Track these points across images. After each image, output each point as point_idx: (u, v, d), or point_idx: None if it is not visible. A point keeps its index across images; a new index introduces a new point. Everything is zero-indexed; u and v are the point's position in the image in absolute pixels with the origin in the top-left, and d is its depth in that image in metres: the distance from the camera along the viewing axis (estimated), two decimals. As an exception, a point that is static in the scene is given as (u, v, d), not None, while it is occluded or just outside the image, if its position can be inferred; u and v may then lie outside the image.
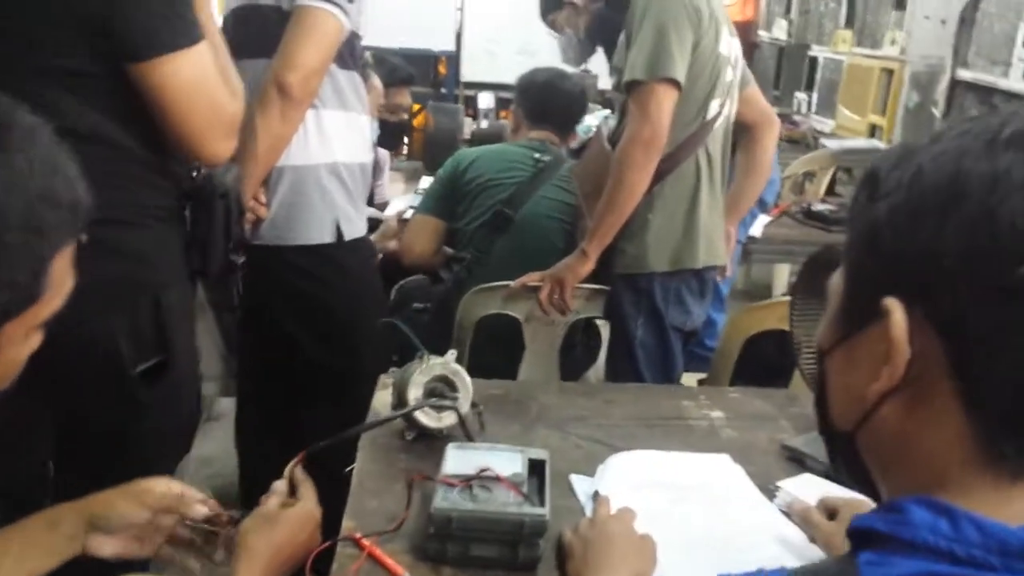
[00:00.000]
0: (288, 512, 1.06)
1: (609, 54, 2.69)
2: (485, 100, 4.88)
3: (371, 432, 1.38)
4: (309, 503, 1.09)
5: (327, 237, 1.91)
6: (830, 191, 4.42)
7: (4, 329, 0.79)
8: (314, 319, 1.96)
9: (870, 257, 0.58)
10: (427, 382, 1.36)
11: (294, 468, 1.13)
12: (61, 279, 0.82)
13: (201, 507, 1.09)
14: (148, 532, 1.07)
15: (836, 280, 0.63)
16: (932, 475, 0.56)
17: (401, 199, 3.12)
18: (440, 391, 1.36)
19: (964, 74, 4.44)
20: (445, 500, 1.08)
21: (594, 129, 3.40)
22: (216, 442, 2.95)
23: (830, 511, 1.14)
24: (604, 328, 2.30)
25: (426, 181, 3.35)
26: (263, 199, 1.86)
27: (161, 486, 1.07)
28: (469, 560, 1.07)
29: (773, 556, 1.13)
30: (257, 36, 1.83)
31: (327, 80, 1.83)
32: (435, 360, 1.37)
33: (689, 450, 1.40)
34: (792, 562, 1.11)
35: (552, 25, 3.04)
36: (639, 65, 1.82)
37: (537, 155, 2.41)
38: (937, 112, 4.75)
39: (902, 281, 0.56)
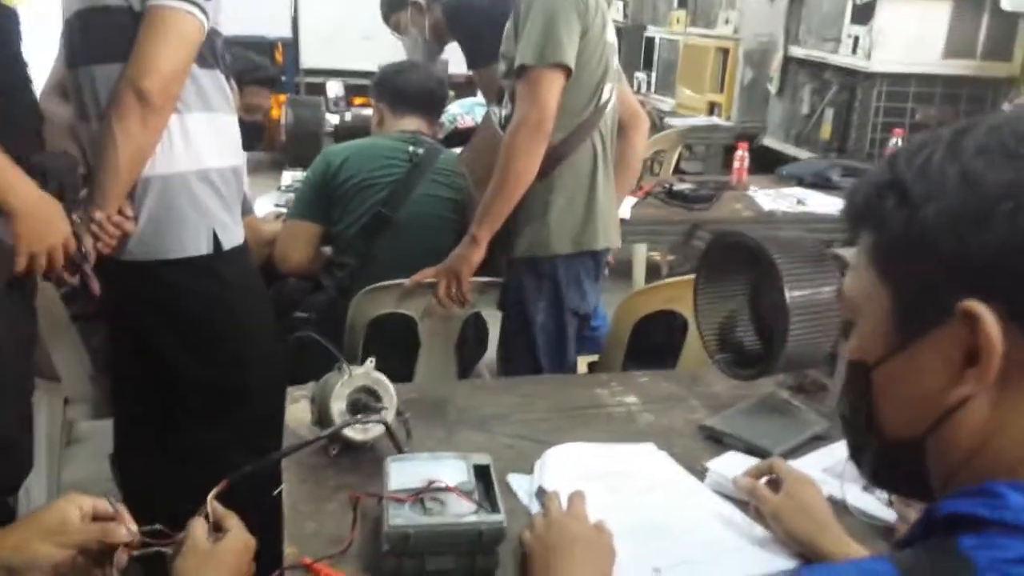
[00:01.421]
0: (223, 545, 1.01)
1: (466, 48, 2.69)
2: (334, 88, 4.75)
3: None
4: (242, 533, 1.04)
5: (203, 248, 1.82)
6: (676, 168, 4.59)
7: None
8: (195, 336, 1.87)
9: (926, 262, 0.59)
10: (350, 394, 1.32)
11: (213, 498, 1.07)
12: None
13: (121, 528, 1.01)
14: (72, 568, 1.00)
15: (858, 288, 0.64)
16: (1018, 460, 0.58)
17: (265, 198, 3.00)
18: (364, 402, 1.32)
19: (796, 51, 4.70)
20: (399, 517, 1.05)
21: (459, 119, 3.40)
22: (82, 464, 2.78)
23: (774, 483, 1.18)
24: (491, 319, 2.29)
25: (288, 176, 3.25)
26: (129, 213, 1.75)
27: (74, 511, 1.00)
28: (426, 575, 1.05)
29: (716, 536, 1.17)
30: (106, 39, 1.72)
31: (189, 82, 1.74)
32: (356, 370, 1.33)
33: (612, 438, 1.42)
34: (735, 540, 1.15)
35: (396, 27, 3.01)
36: (528, 51, 1.83)
37: (411, 148, 2.36)
38: (772, 88, 5.01)
39: (976, 282, 0.56)
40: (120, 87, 1.65)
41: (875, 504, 1.25)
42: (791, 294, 1.34)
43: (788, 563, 1.11)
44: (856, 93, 4.21)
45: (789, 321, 1.33)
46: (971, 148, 0.58)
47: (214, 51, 1.83)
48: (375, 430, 1.32)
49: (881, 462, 0.69)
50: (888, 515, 1.23)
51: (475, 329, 2.40)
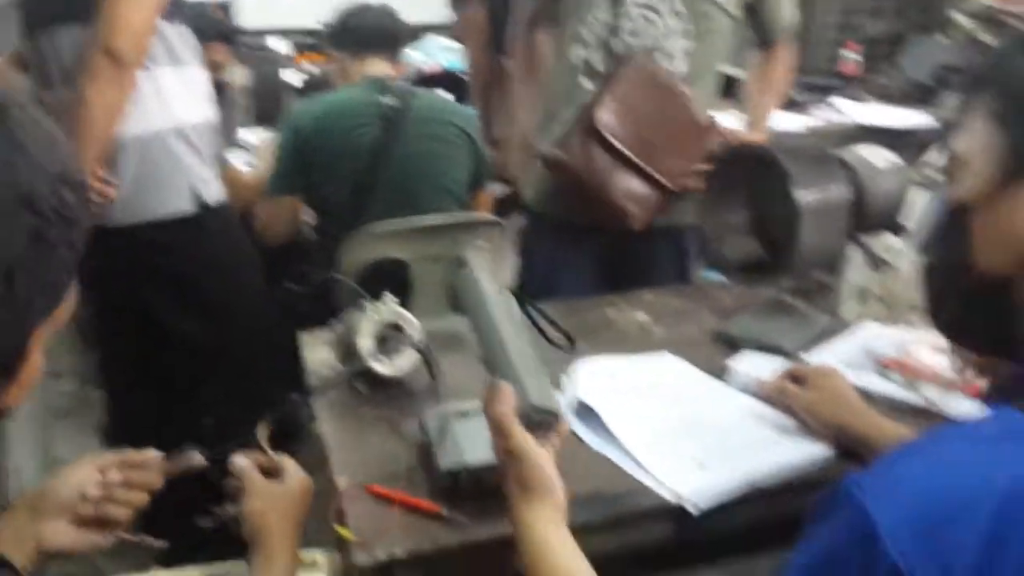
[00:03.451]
0: (287, 485, 1.02)
1: None
2: (276, 44, 4.64)
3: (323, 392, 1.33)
4: (299, 472, 1.05)
5: (186, 206, 1.80)
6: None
7: (34, 334, 0.71)
8: (189, 296, 1.85)
9: None
10: (375, 330, 1.33)
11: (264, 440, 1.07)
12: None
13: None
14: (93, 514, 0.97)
15: (970, 143, 0.71)
16: None
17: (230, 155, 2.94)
18: (391, 337, 1.33)
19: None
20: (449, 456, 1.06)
21: (425, 64, 3.33)
22: (67, 441, 2.74)
23: (799, 380, 1.22)
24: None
25: (245, 133, 3.15)
26: (110, 179, 1.72)
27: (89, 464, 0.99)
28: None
29: (752, 429, 1.20)
30: (66, 1, 1.67)
31: (155, 38, 1.70)
32: (380, 306, 1.33)
33: (630, 352, 1.45)
34: (769, 432, 1.19)
35: None
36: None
37: (383, 99, 2.30)
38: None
39: None
40: (90, 47, 1.61)
41: (895, 388, 1.30)
42: (801, 196, 1.36)
43: (826, 450, 1.15)
44: (807, 10, 4.23)
45: (801, 223, 1.36)
46: None
47: (178, 4, 1.79)
48: (403, 364, 1.33)
49: (969, 307, 0.73)
50: (909, 397, 1.28)
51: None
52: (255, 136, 3.10)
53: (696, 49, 1.81)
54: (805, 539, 0.65)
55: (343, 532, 1.00)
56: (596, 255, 1.92)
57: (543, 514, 0.86)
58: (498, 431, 0.88)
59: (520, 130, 2.03)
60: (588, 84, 1.83)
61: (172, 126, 1.77)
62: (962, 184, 0.72)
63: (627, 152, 1.76)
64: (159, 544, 1.09)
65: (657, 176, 1.79)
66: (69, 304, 0.74)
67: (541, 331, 1.14)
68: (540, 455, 0.88)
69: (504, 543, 0.91)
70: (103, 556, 1.17)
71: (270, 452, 1.07)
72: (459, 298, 1.04)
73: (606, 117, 1.73)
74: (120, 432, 2.17)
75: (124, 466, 1.00)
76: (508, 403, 0.89)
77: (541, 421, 0.95)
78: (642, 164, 1.77)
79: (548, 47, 1.97)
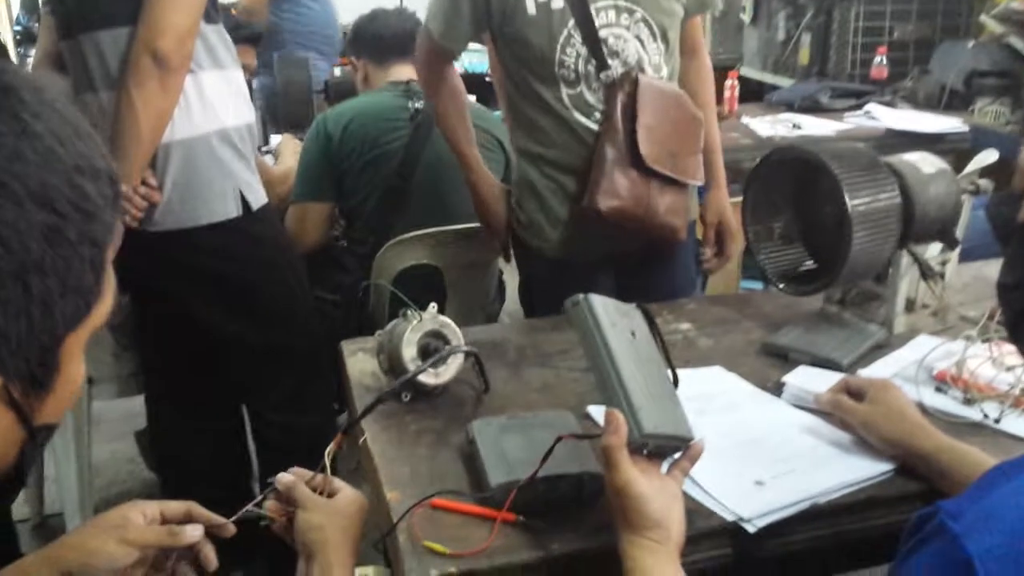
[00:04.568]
0: (343, 501, 0.99)
1: None
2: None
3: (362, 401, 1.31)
4: (353, 491, 1.02)
5: (233, 210, 1.78)
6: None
7: (66, 342, 0.64)
8: (241, 301, 1.83)
9: None
10: (419, 339, 1.30)
11: (332, 453, 1.05)
12: (110, 269, 0.67)
13: (193, 529, 0.94)
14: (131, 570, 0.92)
15: None
16: None
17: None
18: (434, 346, 1.31)
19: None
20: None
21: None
22: (100, 449, 2.73)
23: (855, 394, 1.19)
24: (509, 272, 2.26)
25: (275, 140, 3.16)
26: (153, 182, 1.70)
27: (138, 515, 0.92)
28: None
29: (810, 446, 1.17)
30: (108, 2, 1.66)
31: (198, 40, 1.68)
32: (424, 315, 1.31)
33: (677, 363, 1.40)
34: (828, 449, 1.16)
35: None
36: None
37: (410, 103, 2.28)
38: (745, 17, 4.99)
39: None
40: (134, 51, 1.60)
41: (953, 403, 1.27)
42: (852, 203, 1.33)
43: (887, 466, 1.12)
44: (833, 15, 4.20)
45: (852, 230, 1.33)
46: None
47: (215, 4, 1.77)
48: (447, 374, 1.31)
49: None
50: (966, 412, 1.24)
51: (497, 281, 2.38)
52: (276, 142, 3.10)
53: (666, 50, 1.78)
54: (896, 570, 0.62)
55: (433, 546, 0.97)
56: (611, 286, 1.83)
57: (648, 548, 0.86)
58: (606, 464, 0.88)
59: (486, 179, 1.94)
60: (583, 119, 1.75)
61: (216, 129, 1.75)
62: None
63: (668, 173, 1.73)
64: None
65: (685, 181, 1.79)
66: (105, 306, 0.67)
67: (666, 352, 1.12)
68: (646, 489, 0.88)
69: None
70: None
71: (328, 471, 1.04)
72: (570, 321, 1.03)
73: (645, 146, 1.69)
74: (159, 438, 2.16)
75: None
76: (618, 434, 0.88)
77: (662, 448, 0.94)
78: (677, 177, 1.75)
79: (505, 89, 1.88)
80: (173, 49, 1.58)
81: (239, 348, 1.88)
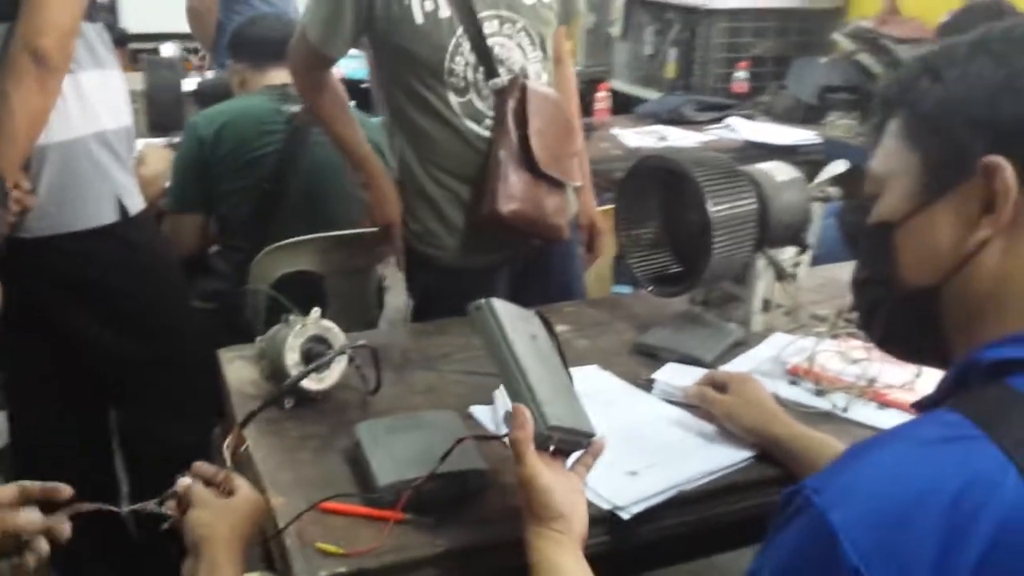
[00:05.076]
0: (238, 500, 0.99)
1: None
2: (169, 50, 4.50)
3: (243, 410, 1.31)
4: (252, 491, 1.02)
5: (110, 216, 1.72)
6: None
7: None
8: (117, 311, 1.77)
9: (955, 129, 0.69)
10: (302, 344, 1.31)
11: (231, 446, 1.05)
12: None
13: (28, 512, 0.95)
14: None
15: (887, 162, 0.74)
16: None
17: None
18: (316, 351, 1.32)
19: (637, -6, 4.83)
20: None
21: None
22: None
23: (719, 387, 1.27)
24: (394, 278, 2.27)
25: (139, 144, 3.05)
26: (27, 186, 1.63)
27: None
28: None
29: (679, 438, 1.25)
30: None
31: (78, 38, 1.63)
32: (307, 320, 1.32)
33: (555, 364, 1.47)
34: (695, 440, 1.24)
35: None
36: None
37: (284, 108, 2.27)
38: (615, 31, 5.15)
39: (998, 143, 0.66)
40: (13, 48, 1.52)
41: (805, 395, 1.37)
42: (713, 209, 1.42)
43: (747, 453, 1.20)
44: (697, 32, 4.39)
45: (713, 235, 1.42)
46: (997, 36, 0.68)
47: (94, 2, 1.71)
48: (330, 379, 1.33)
49: (897, 318, 0.77)
50: (818, 402, 1.35)
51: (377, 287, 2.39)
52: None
53: (544, 58, 1.85)
54: (766, 548, 0.65)
55: (326, 547, 0.99)
56: (506, 290, 1.87)
57: (552, 539, 0.89)
58: (514, 457, 0.92)
59: (387, 178, 1.91)
60: (474, 126, 1.78)
61: (94, 131, 1.68)
62: (882, 203, 0.75)
63: (556, 175, 1.80)
64: None
65: (568, 182, 1.86)
66: None
67: (562, 354, 1.16)
68: (551, 481, 0.91)
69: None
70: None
71: (229, 465, 1.04)
72: (473, 325, 1.06)
73: (538, 151, 1.75)
74: (28, 456, 2.06)
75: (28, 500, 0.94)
76: (524, 429, 0.92)
77: (565, 443, 0.98)
78: (562, 179, 1.82)
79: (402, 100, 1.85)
80: (55, 48, 1.52)
81: (116, 357, 1.82)
